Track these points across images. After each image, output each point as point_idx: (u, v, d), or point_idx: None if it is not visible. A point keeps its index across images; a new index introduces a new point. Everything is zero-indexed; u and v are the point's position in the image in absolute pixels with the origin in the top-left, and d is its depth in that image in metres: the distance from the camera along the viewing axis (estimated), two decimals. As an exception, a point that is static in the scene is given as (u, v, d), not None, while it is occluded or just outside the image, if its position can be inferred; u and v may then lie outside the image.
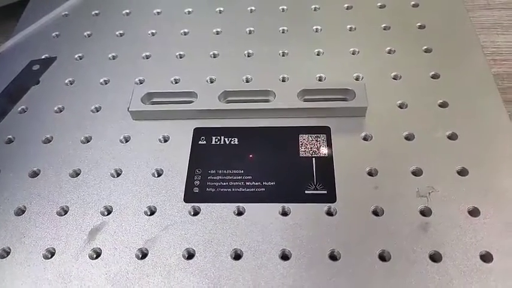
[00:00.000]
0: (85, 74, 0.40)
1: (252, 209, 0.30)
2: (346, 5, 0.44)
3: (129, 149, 0.34)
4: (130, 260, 0.28)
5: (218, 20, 0.43)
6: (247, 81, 0.38)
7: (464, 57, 0.38)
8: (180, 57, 0.40)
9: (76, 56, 0.41)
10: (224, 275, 0.27)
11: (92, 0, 0.47)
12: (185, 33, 0.43)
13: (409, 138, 0.33)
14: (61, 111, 0.37)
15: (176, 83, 0.38)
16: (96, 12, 0.46)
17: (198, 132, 0.35)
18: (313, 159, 0.32)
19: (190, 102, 0.35)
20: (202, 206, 0.31)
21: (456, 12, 0.42)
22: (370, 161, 0.32)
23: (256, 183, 0.32)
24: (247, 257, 0.28)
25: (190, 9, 0.45)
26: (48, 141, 0.35)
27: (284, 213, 0.30)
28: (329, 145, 0.33)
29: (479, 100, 0.35)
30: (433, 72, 0.37)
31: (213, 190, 0.31)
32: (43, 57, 0.42)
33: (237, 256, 0.28)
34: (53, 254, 0.29)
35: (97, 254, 0.29)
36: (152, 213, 0.31)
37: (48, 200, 0.32)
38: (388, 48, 0.39)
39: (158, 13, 0.45)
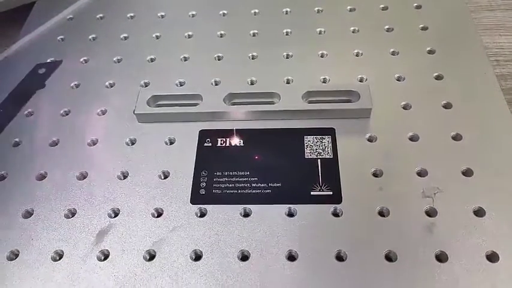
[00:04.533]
0: (90, 77, 0.40)
1: (258, 210, 0.30)
2: (349, 7, 0.44)
3: (135, 152, 0.34)
4: (138, 262, 0.29)
5: (222, 23, 0.44)
6: (251, 84, 0.38)
7: (468, 58, 0.38)
8: (185, 60, 0.41)
9: (81, 59, 0.42)
10: (231, 276, 0.28)
11: (97, 4, 0.47)
12: (189, 36, 0.43)
13: (413, 139, 0.33)
14: (67, 114, 0.37)
15: (181, 85, 0.39)
16: (101, 15, 0.46)
17: (203, 135, 0.35)
18: (319, 160, 0.33)
19: (196, 104, 0.36)
20: (208, 207, 0.31)
21: (459, 13, 0.42)
22: (375, 162, 0.32)
23: (262, 185, 0.32)
24: (254, 258, 0.28)
25: (194, 12, 0.45)
26: (54, 144, 0.35)
27: (290, 214, 0.30)
28: (334, 146, 0.33)
29: (483, 101, 0.35)
30: (436, 73, 0.37)
31: (219, 192, 0.32)
32: (48, 60, 0.42)
33: (244, 257, 0.29)
34: (61, 256, 0.29)
35: (105, 255, 0.29)
36: (159, 215, 0.31)
37: (56, 202, 0.32)
38: (392, 50, 0.39)
39: (162, 16, 0.45)
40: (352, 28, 0.42)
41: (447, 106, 0.35)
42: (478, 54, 0.39)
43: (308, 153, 0.33)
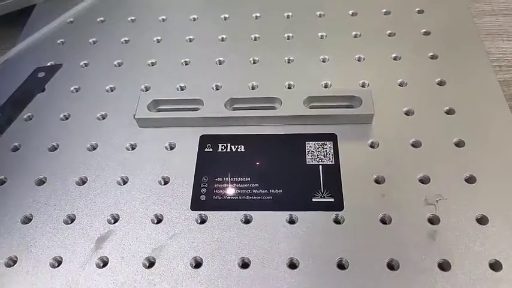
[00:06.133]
0: (91, 81, 0.40)
1: (259, 217, 0.30)
2: (350, 12, 0.44)
3: (136, 157, 0.34)
4: (137, 269, 0.28)
5: (223, 27, 0.44)
6: (253, 88, 0.38)
7: (470, 63, 0.38)
8: (186, 64, 0.40)
9: (81, 63, 0.41)
10: (232, 284, 0.27)
11: (97, 7, 0.47)
12: (190, 40, 0.43)
13: (415, 145, 0.33)
14: (67, 118, 0.37)
15: (182, 90, 0.38)
16: (102, 19, 0.46)
17: (204, 140, 0.34)
18: (320, 166, 0.32)
19: (196, 109, 0.35)
20: (209, 214, 0.31)
21: (461, 18, 0.42)
22: (377, 168, 0.32)
23: (263, 191, 0.31)
24: (254, 266, 0.28)
25: (195, 16, 0.45)
26: (54, 148, 0.35)
27: (291, 221, 0.30)
28: (336, 152, 0.33)
29: (486, 107, 0.35)
30: (439, 79, 0.37)
31: (220, 198, 0.31)
32: (49, 64, 0.42)
33: (245, 265, 0.28)
34: (60, 263, 0.29)
35: (104, 262, 0.29)
36: (159, 221, 0.30)
37: (55, 208, 0.31)
38: (394, 55, 0.39)
39: (163, 20, 0.45)
40: (354, 33, 0.42)
41: (450, 112, 0.35)
42: (481, 59, 0.38)
43: (309, 159, 0.33)
